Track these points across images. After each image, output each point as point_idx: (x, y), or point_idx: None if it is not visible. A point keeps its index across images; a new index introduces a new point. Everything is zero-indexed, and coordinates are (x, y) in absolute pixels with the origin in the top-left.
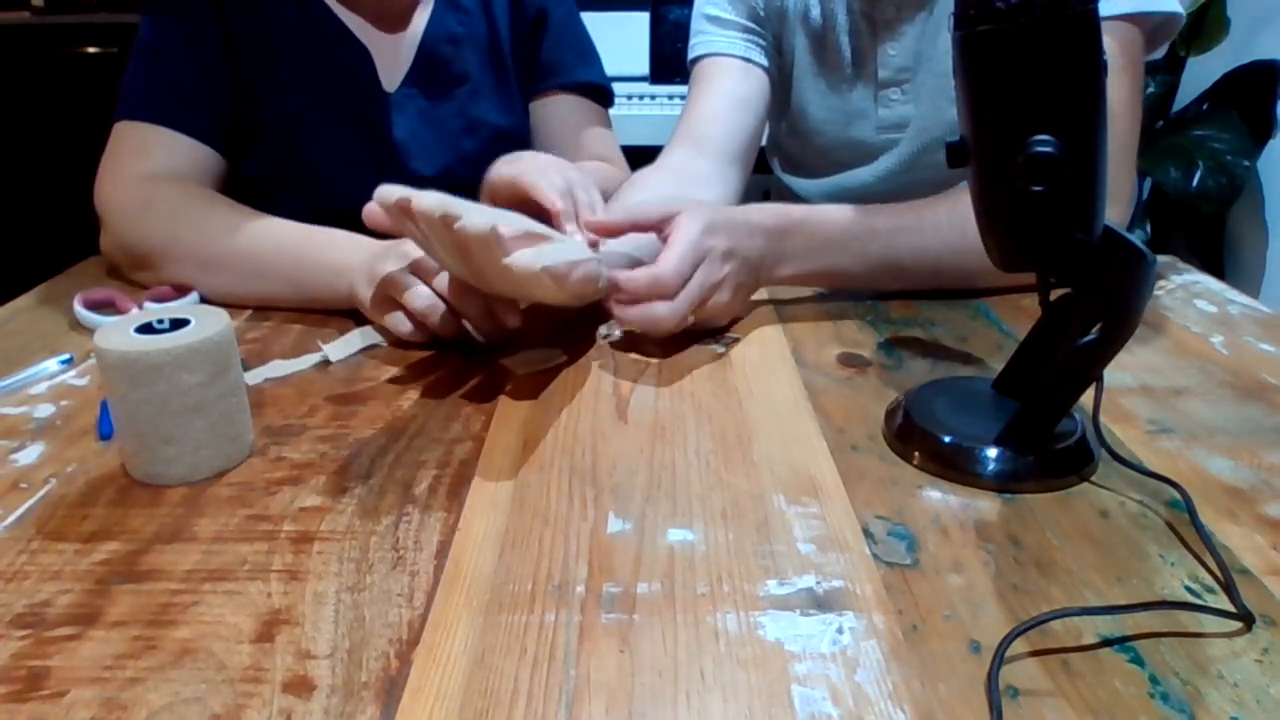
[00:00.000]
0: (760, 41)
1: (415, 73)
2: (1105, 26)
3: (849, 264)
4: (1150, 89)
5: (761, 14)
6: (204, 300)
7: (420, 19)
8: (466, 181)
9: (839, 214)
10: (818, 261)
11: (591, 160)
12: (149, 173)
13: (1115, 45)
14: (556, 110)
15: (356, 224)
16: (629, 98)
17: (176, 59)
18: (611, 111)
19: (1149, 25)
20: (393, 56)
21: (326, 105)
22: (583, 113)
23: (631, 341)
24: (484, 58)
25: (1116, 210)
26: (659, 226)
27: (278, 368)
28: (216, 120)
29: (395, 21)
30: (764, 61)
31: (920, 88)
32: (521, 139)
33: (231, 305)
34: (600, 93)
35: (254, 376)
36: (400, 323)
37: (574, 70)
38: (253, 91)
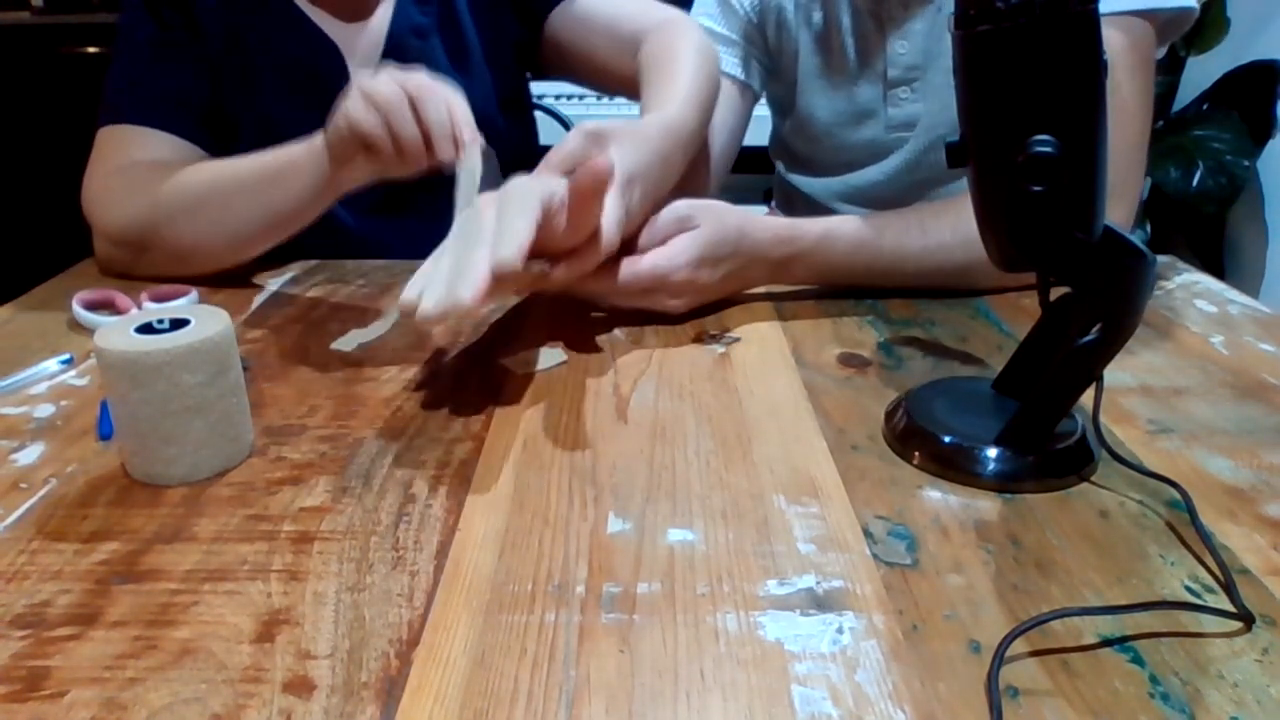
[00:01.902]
0: (738, 54)
1: (386, 66)
2: (1116, 22)
3: (852, 280)
4: None
5: (754, 24)
6: (199, 295)
7: (385, 12)
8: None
9: (844, 241)
10: (820, 280)
11: (639, 36)
12: (129, 163)
13: (1125, 41)
14: (574, 16)
15: (339, 220)
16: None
17: (152, 61)
18: (610, 113)
19: (1160, 20)
20: (364, 51)
21: (302, 104)
22: (591, 6)
23: (632, 339)
24: (448, 45)
25: (1124, 209)
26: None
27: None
28: (197, 116)
29: (357, 12)
30: (740, 75)
31: (929, 85)
32: (489, 122)
33: (230, 247)
34: None
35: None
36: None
37: None
38: (230, 91)
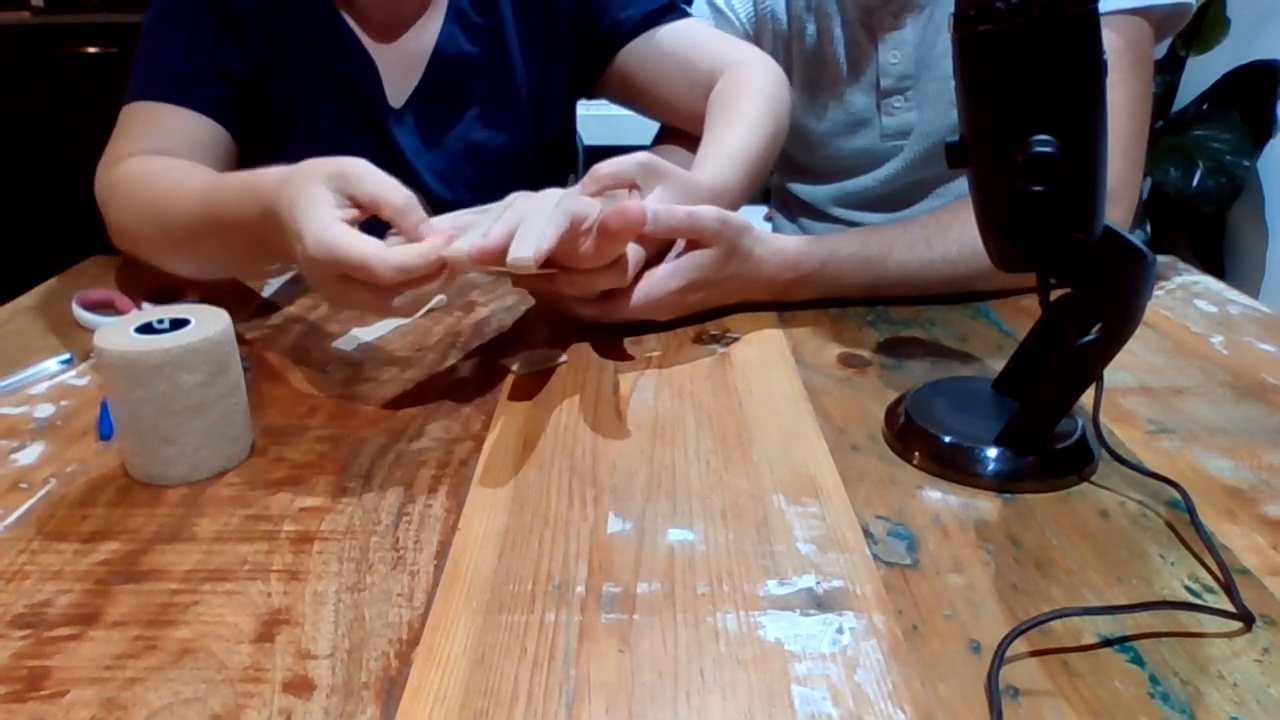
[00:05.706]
0: None
1: (422, 90)
2: (1112, 21)
3: (856, 296)
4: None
5: (750, 37)
6: (199, 295)
7: (430, 33)
8: (467, 205)
9: (850, 262)
10: (824, 298)
11: (714, 75)
12: (136, 151)
13: (1121, 41)
14: (650, 49)
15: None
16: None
17: (182, 43)
18: (608, 112)
19: (1156, 18)
20: (402, 71)
21: (334, 114)
22: (668, 40)
23: (632, 339)
24: (491, 79)
25: (1121, 209)
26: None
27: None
28: (222, 97)
29: (393, 33)
30: None
31: (923, 94)
32: (524, 162)
33: (193, 274)
34: (667, 10)
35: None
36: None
37: (627, 8)
38: (269, 92)
